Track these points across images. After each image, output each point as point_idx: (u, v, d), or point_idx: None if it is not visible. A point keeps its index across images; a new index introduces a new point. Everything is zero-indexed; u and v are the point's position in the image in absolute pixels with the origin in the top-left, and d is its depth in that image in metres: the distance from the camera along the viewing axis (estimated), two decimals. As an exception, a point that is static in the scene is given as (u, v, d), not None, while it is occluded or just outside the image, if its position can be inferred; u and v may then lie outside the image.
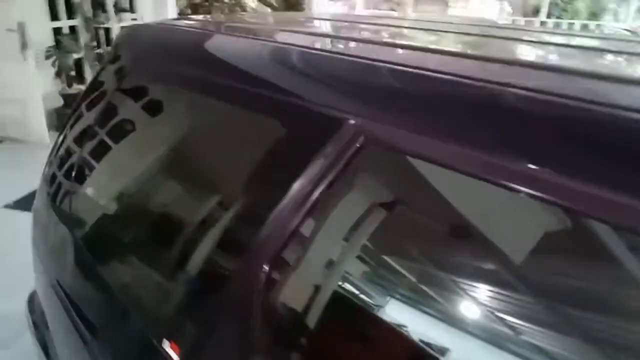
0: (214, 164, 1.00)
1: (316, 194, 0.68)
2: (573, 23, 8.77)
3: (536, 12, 10.95)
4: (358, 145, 0.67)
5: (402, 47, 0.94)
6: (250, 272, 0.72)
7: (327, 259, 0.72)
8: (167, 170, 1.11)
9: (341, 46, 1.01)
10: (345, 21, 1.67)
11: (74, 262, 1.24)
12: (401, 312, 0.64)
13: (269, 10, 3.61)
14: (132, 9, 5.85)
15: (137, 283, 1.04)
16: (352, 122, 0.69)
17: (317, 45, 0.96)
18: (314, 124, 0.75)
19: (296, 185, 0.70)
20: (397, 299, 0.66)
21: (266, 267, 0.70)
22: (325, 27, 1.47)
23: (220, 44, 1.13)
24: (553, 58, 0.97)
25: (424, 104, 0.65)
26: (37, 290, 1.50)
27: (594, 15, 11.72)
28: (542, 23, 9.11)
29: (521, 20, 10.25)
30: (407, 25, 1.38)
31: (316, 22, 1.62)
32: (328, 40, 1.09)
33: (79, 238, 1.21)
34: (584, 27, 8.53)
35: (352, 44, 1.03)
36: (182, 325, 0.85)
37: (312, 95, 0.79)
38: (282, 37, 1.14)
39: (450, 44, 1.10)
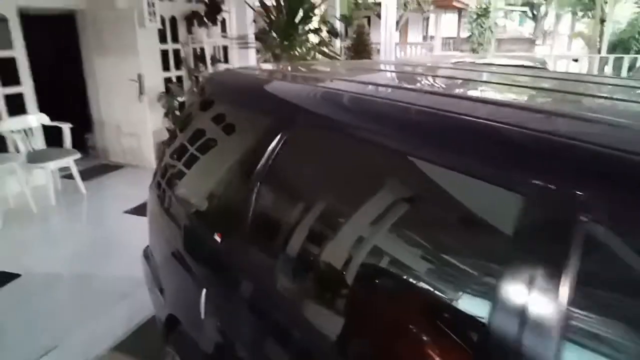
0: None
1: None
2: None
3: (613, 48, 10.90)
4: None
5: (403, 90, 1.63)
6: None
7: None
8: (228, 167, 1.83)
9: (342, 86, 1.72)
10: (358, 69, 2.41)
11: (176, 234, 1.98)
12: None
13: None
14: (226, 60, 7.03)
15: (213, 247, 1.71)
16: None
17: (324, 85, 1.66)
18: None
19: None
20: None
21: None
22: (336, 72, 2.22)
23: (265, 84, 1.89)
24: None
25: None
26: (154, 252, 2.29)
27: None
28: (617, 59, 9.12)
29: (596, 57, 10.28)
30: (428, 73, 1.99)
31: (336, 69, 2.37)
32: (333, 82, 1.82)
33: (175, 219, 1.97)
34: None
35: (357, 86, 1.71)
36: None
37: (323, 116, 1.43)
38: (306, 80, 1.87)
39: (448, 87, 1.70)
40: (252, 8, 4.44)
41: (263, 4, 4.31)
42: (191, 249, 1.78)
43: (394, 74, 1.96)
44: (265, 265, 1.38)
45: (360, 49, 7.77)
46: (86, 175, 5.29)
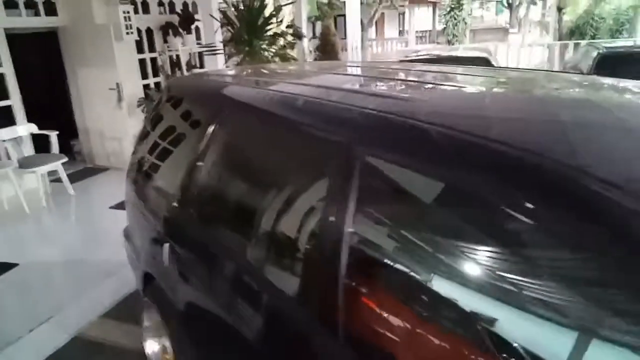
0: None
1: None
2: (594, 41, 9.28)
3: (572, 34, 11.50)
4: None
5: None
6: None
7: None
8: (182, 149, 2.33)
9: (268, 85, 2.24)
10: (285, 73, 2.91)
11: (145, 205, 2.50)
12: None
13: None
14: (201, 66, 7.50)
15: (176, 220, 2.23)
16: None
17: (255, 84, 2.18)
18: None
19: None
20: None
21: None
22: (269, 75, 2.72)
23: (212, 84, 2.38)
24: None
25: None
26: (130, 227, 2.79)
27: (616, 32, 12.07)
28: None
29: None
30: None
31: (273, 72, 2.87)
32: (260, 81, 2.33)
33: (144, 193, 2.47)
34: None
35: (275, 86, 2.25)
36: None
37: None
38: (245, 81, 2.37)
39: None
40: (215, 19, 4.91)
41: (225, 15, 4.80)
42: (156, 215, 2.27)
43: (307, 74, 2.47)
44: (204, 220, 1.89)
45: (328, 49, 8.28)
46: (73, 178, 5.74)
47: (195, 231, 1.93)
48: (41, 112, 5.69)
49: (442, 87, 1.85)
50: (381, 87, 1.90)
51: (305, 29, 7.59)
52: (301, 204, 1.45)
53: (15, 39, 5.40)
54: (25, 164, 4.96)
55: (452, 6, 23.66)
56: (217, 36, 5.13)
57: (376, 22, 22.99)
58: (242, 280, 1.65)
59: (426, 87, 1.86)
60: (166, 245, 2.08)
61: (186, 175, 2.03)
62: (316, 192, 1.39)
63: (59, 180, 5.32)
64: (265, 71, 2.82)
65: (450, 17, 23.80)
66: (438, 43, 24.59)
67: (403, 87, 1.89)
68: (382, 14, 22.75)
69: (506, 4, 31.56)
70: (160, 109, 2.66)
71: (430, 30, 25.81)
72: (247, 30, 4.68)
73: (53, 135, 5.28)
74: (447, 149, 1.11)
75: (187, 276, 1.98)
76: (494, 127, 1.19)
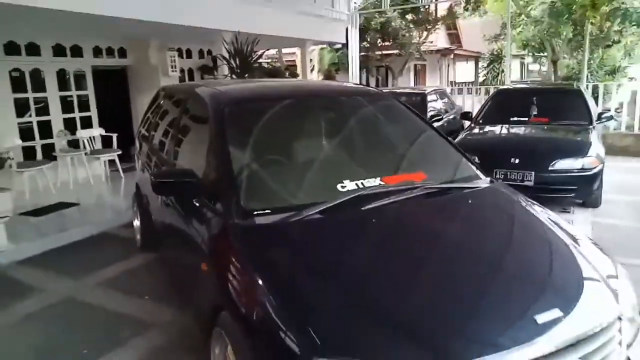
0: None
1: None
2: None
3: (569, 77, 12.87)
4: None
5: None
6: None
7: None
8: (158, 119, 4.52)
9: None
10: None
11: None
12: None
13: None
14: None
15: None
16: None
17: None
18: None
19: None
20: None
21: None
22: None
23: (187, 89, 4.57)
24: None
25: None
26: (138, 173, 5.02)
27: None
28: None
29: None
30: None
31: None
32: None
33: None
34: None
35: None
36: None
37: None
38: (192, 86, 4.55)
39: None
40: (221, 60, 7.27)
41: (224, 58, 7.15)
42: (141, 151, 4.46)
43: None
44: (152, 148, 4.04)
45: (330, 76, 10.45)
46: (127, 170, 8.14)
47: (148, 155, 4.07)
48: (111, 123, 8.25)
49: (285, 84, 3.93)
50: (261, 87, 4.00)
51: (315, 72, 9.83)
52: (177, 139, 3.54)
53: (97, 73, 8.07)
54: (94, 152, 7.43)
55: (492, 59, 25.31)
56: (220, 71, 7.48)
57: (417, 72, 25.12)
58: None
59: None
60: (139, 162, 4.25)
61: (153, 129, 4.21)
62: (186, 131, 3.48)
63: (116, 170, 7.75)
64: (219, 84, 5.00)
65: (490, 69, 25.41)
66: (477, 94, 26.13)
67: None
68: (424, 65, 24.85)
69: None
70: (155, 101, 4.90)
71: (472, 82, 27.43)
72: (240, 67, 6.95)
73: (114, 136, 7.75)
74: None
75: (144, 180, 4.10)
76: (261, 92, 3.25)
